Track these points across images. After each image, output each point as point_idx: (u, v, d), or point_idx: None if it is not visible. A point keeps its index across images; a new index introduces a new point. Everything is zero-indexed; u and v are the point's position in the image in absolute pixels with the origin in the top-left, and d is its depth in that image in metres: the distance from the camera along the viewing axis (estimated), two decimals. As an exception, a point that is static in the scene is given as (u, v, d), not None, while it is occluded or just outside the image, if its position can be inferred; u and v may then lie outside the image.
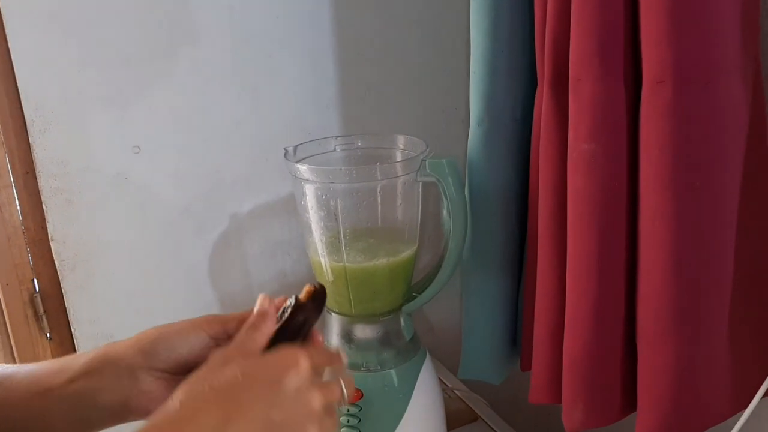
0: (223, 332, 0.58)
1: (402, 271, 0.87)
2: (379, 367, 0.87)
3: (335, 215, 0.85)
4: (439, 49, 1.08)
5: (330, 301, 0.88)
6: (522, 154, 0.87)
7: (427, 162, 0.82)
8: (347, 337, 0.88)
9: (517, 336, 0.96)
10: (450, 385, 1.08)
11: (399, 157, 0.91)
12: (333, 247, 0.86)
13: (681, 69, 0.61)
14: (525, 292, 0.89)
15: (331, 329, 0.89)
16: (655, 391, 0.69)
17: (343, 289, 0.86)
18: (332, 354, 0.57)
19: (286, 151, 0.86)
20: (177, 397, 0.47)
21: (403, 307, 0.89)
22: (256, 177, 1.02)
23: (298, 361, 0.51)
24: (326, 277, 0.87)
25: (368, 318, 0.87)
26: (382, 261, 0.85)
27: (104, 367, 0.56)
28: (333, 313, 0.89)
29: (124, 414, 0.57)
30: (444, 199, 0.83)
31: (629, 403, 0.76)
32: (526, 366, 0.90)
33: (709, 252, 0.65)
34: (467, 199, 0.87)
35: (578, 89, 0.68)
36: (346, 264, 0.85)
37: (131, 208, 0.96)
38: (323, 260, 0.87)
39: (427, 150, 0.84)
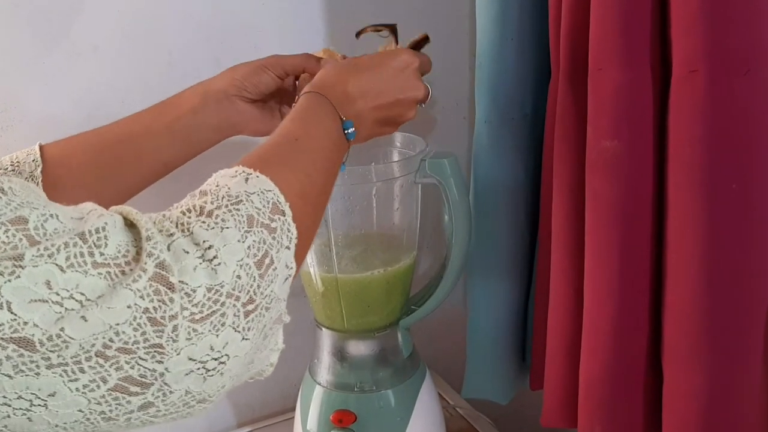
0: (284, 72, 0.74)
1: (399, 281, 0.84)
2: (374, 388, 0.83)
3: (326, 221, 0.81)
4: (440, 39, 1.03)
5: (320, 315, 0.86)
6: (533, 153, 0.85)
7: (427, 162, 0.79)
8: (339, 354, 0.85)
9: (526, 351, 0.94)
10: (451, 403, 1.05)
11: (396, 156, 0.88)
12: (323, 255, 0.83)
13: (716, 56, 0.58)
14: (536, 303, 0.87)
15: (322, 346, 0.86)
16: (683, 417, 0.66)
17: (335, 302, 0.83)
18: (429, 62, 0.74)
19: (272, 150, 0.81)
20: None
21: (401, 322, 0.86)
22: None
23: (413, 57, 0.69)
24: (316, 289, 0.84)
25: (362, 333, 0.84)
26: (377, 271, 0.82)
27: (207, 98, 0.71)
28: (324, 329, 0.86)
29: (229, 131, 0.74)
30: (446, 202, 0.81)
31: (652, 429, 0.73)
32: (537, 385, 0.88)
33: (745, 263, 0.62)
34: (471, 202, 0.85)
35: (599, 80, 0.65)
36: (338, 274, 0.82)
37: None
38: (312, 270, 0.84)
39: (427, 149, 0.82)
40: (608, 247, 0.67)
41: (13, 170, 0.66)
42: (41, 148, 0.68)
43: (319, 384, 0.85)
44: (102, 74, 0.87)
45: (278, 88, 0.75)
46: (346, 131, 0.60)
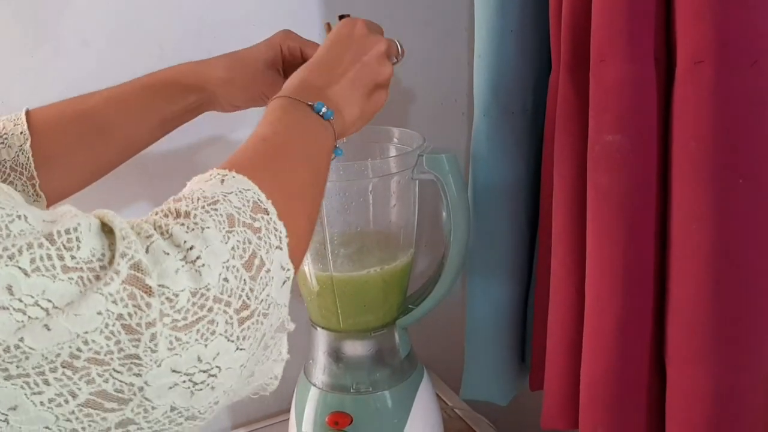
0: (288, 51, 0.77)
1: (396, 280, 0.83)
2: (371, 389, 0.82)
3: (320, 218, 0.80)
4: (438, 32, 1.04)
5: (315, 315, 0.85)
6: (533, 148, 0.84)
7: (424, 157, 0.78)
8: (335, 354, 0.84)
9: (525, 350, 0.93)
10: (450, 404, 1.03)
11: (393, 152, 0.87)
12: (318, 254, 0.82)
13: (723, 47, 0.56)
14: (536, 302, 0.86)
15: (317, 346, 0.85)
16: (688, 418, 0.65)
17: (330, 301, 0.81)
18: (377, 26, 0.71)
19: (266, 146, 0.80)
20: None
21: (398, 321, 0.85)
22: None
23: (353, 20, 0.67)
24: (311, 288, 0.83)
25: (359, 334, 0.83)
26: (373, 270, 0.81)
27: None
28: (319, 329, 0.85)
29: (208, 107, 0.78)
30: (444, 198, 0.80)
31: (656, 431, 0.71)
32: (537, 385, 0.86)
33: (753, 260, 0.60)
34: (470, 199, 0.84)
35: (602, 72, 0.64)
36: (333, 273, 0.81)
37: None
38: (307, 269, 0.82)
39: (425, 144, 0.81)
40: (611, 244, 0.66)
41: (2, 143, 0.65)
42: (28, 114, 0.67)
43: (315, 385, 0.84)
44: (91, 68, 0.86)
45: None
46: (320, 113, 0.56)
